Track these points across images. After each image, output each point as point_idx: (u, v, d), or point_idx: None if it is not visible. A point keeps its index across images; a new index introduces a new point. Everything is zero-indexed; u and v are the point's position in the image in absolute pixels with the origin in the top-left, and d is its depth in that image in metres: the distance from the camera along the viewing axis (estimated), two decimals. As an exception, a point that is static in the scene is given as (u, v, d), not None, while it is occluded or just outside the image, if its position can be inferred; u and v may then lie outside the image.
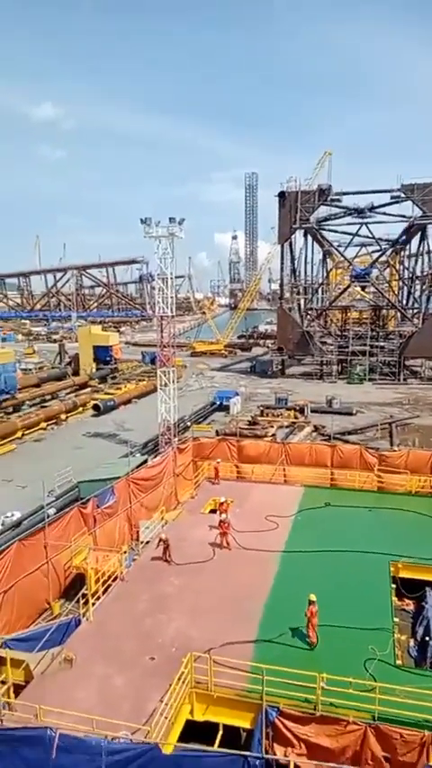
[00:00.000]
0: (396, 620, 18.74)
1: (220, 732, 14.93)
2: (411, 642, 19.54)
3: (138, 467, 29.51)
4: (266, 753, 13.38)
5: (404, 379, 75.48)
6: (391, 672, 15.60)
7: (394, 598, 20.17)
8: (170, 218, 33.39)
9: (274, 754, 13.71)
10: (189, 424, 48.13)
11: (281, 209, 77.57)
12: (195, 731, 14.95)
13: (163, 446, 35.54)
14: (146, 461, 32.11)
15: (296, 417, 53.77)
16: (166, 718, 13.73)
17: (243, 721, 14.87)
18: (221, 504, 25.74)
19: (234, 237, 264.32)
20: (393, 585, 20.69)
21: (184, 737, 14.37)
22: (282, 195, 76.82)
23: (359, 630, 17.48)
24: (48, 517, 22.33)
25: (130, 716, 13.86)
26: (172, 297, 35.36)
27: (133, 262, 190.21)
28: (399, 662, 16.63)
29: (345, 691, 14.06)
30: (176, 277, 44.68)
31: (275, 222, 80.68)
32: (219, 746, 14.31)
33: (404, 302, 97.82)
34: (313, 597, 17.26)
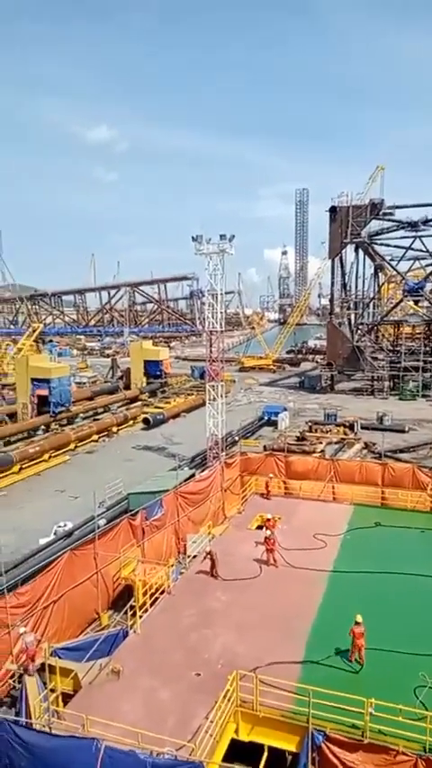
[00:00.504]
0: (449, 647, 18.01)
1: (265, 754, 14.74)
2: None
3: (185, 480, 29.77)
4: (312, 778, 13.09)
5: (459, 396, 72.97)
6: (443, 701, 14.99)
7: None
8: (221, 235, 33.97)
9: (320, 780, 13.41)
10: (237, 438, 48.12)
11: (331, 223, 77.20)
12: (240, 751, 14.81)
13: (211, 460, 35.77)
14: (193, 475, 32.34)
15: (345, 434, 52.85)
16: (211, 735, 13.70)
17: (289, 744, 14.63)
18: (268, 520, 25.58)
19: (284, 253, 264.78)
20: (447, 611, 19.94)
21: (228, 757, 14.27)
22: (333, 210, 76.50)
23: (409, 655, 16.94)
24: (98, 528, 22.83)
25: (175, 731, 13.90)
26: (221, 312, 35.79)
27: (184, 278, 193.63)
28: (452, 691, 15.94)
29: (394, 718, 13.63)
30: (226, 293, 45.15)
31: (326, 237, 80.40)
32: (263, 768, 14.14)
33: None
34: (359, 618, 16.94)
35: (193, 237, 34.32)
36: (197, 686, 15.84)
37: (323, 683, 14.92)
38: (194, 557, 24.13)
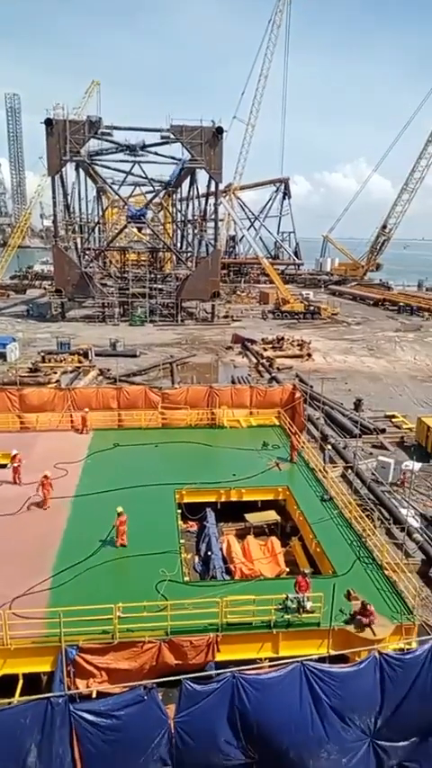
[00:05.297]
0: (182, 541, 20.54)
1: (20, 681, 14.88)
2: (196, 559, 21.70)
3: None
4: (69, 689, 13.80)
5: (182, 321, 79.21)
6: (180, 589, 17.17)
7: (180, 522, 21.99)
8: None
9: (77, 689, 14.25)
10: (-40, 375, 43.84)
11: (48, 137, 72.07)
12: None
13: None
14: None
15: (80, 362, 52.90)
16: (-41, 684, 13.13)
17: (43, 666, 15.04)
18: (14, 456, 24.37)
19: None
20: (179, 511, 22.49)
21: (-19, 698, 13.98)
22: (49, 123, 71.22)
23: (150, 556, 18.78)
24: None
25: None
26: None
27: None
28: (186, 578, 18.37)
29: (140, 615, 15.14)
30: None
31: (44, 152, 75.00)
32: (20, 696, 14.29)
33: (179, 245, 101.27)
34: (120, 509, 19.54)
35: None
36: None
37: (74, 601, 15.53)
38: None
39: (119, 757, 12.32)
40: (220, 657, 15.27)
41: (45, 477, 22.48)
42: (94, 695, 14.19)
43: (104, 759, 12.25)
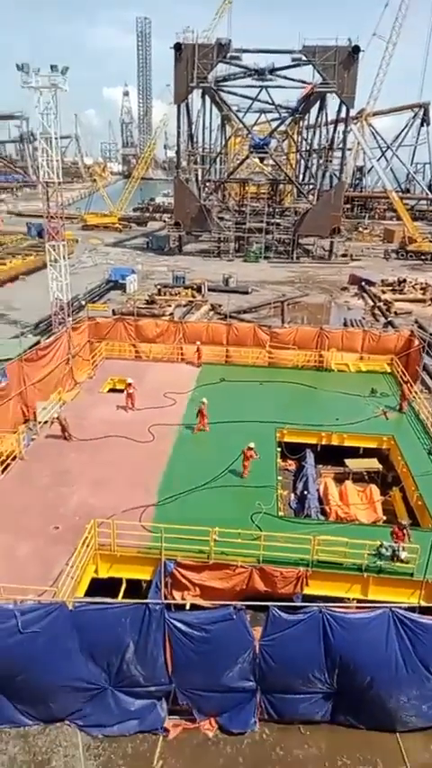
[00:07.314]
0: (280, 478, 20.92)
1: (123, 586, 16.44)
2: (292, 496, 22.07)
3: (30, 348, 28.50)
4: (165, 598, 15.03)
5: (297, 258, 76.86)
6: (274, 522, 17.68)
7: (279, 460, 22.32)
8: (52, 66, 29.46)
9: (173, 599, 15.48)
10: (83, 303, 46.56)
11: (177, 63, 70.50)
12: (101, 588, 16.29)
13: (56, 326, 34.42)
14: (38, 342, 31.00)
15: (194, 296, 53.76)
16: (72, 578, 14.79)
17: (144, 574, 16.44)
18: (129, 384, 25.88)
19: (126, 94, 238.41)
20: (279, 449, 22.79)
21: (90, 595, 15.66)
22: (178, 47, 69.43)
23: (248, 488, 19.43)
24: None
25: (37, 580, 14.70)
26: (58, 160, 32.23)
27: (10, 117, 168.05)
28: (281, 513, 18.83)
29: (234, 541, 15.88)
30: (61, 137, 40.59)
31: (171, 79, 73.69)
32: (122, 598, 15.83)
33: (301, 177, 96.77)
34: (252, 444, 20.17)
35: (18, 66, 29.28)
36: (55, 539, 16.66)
37: (175, 520, 16.61)
38: (46, 423, 24.03)
39: (206, 666, 13.35)
40: (308, 591, 15.71)
41: (203, 402, 23.76)
42: (187, 607, 15.33)
43: (193, 666, 13.35)
